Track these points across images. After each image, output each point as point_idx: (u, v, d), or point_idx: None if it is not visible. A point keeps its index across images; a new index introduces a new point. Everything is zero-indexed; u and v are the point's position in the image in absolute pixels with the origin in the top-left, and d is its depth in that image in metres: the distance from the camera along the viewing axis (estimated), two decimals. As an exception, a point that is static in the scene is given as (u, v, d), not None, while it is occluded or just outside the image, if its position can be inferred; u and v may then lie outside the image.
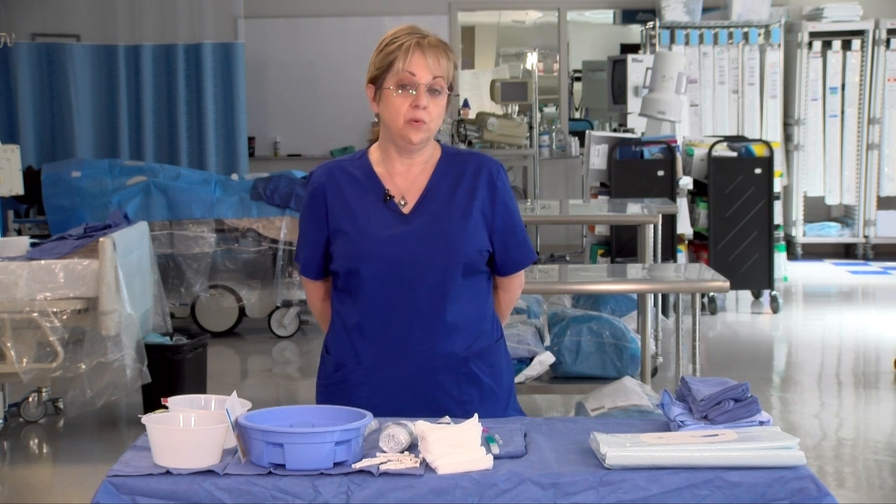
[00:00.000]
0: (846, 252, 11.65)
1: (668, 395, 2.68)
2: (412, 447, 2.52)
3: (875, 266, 11.06)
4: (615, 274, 5.53)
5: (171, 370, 6.11)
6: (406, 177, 2.98)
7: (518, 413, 3.08)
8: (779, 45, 11.28)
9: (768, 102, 11.30)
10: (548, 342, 5.58)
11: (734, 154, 8.94)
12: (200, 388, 6.29)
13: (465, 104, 11.94)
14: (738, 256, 8.81)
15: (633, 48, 12.12)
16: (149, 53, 10.98)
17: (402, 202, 2.96)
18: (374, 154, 3.02)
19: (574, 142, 11.99)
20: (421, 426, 2.52)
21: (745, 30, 11.22)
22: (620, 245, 8.80)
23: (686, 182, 9.09)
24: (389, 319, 2.93)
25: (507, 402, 3.06)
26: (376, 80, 2.94)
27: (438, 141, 3.06)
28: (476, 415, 2.57)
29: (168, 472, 2.43)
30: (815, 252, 11.52)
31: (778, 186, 9.45)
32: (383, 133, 2.99)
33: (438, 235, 2.92)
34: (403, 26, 2.95)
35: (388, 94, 2.91)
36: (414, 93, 2.88)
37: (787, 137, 11.41)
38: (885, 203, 11.36)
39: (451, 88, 2.96)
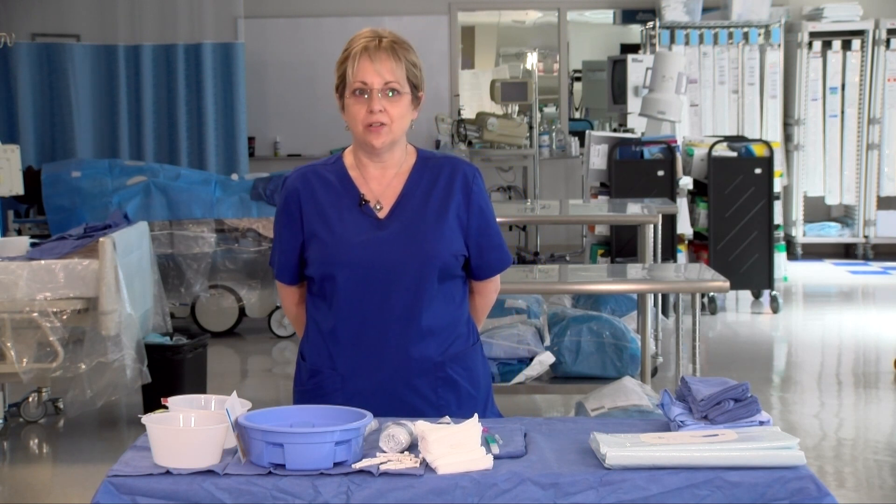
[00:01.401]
0: (846, 252, 11.65)
1: (668, 395, 2.68)
2: (412, 447, 2.52)
3: (875, 266, 11.06)
4: (615, 274, 5.53)
5: (171, 370, 6.11)
6: (381, 181, 2.97)
7: (497, 416, 3.07)
8: (779, 45, 11.28)
9: (768, 102, 11.30)
10: (548, 342, 5.58)
11: (734, 154, 8.94)
12: (200, 388, 6.29)
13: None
14: (738, 256, 8.81)
15: (633, 48, 12.11)
16: (149, 53, 10.98)
17: (378, 207, 2.95)
18: (349, 158, 3.01)
19: (574, 142, 11.99)
20: (421, 426, 2.52)
21: (745, 30, 11.22)
22: (620, 245, 8.80)
23: (686, 182, 9.09)
24: (365, 325, 2.92)
25: (485, 405, 3.05)
26: (339, 90, 2.96)
27: (414, 145, 3.06)
28: (476, 415, 2.57)
29: (168, 472, 2.43)
30: (815, 252, 11.52)
31: (778, 186, 9.45)
32: (353, 140, 3.00)
33: (414, 240, 2.91)
34: (363, 31, 2.95)
35: (347, 104, 2.93)
36: (367, 99, 2.88)
37: (787, 137, 11.41)
38: (885, 203, 11.36)
39: (416, 87, 2.94)
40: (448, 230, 2.94)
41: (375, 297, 2.90)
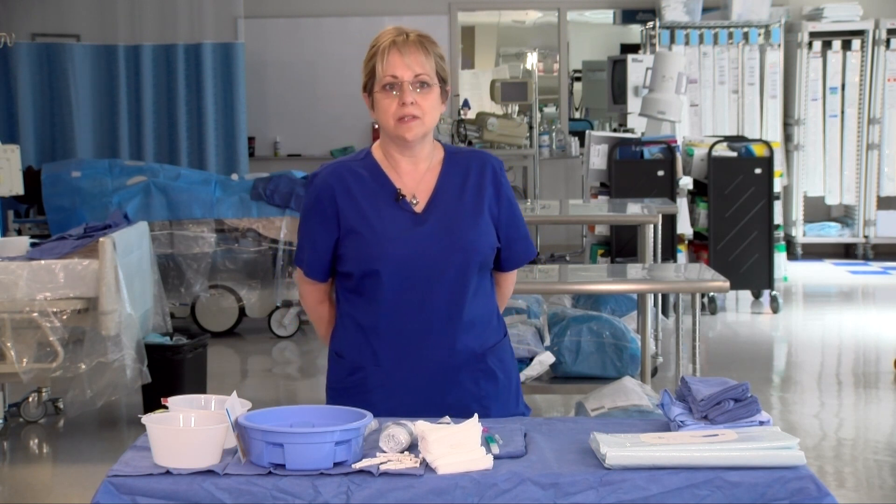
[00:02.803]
0: (846, 252, 11.65)
1: (668, 395, 2.68)
2: (412, 447, 2.52)
3: (875, 266, 11.06)
4: (615, 274, 5.53)
5: (171, 370, 6.11)
6: (413, 176, 2.98)
7: (526, 407, 3.11)
8: (779, 45, 11.28)
9: (768, 102, 11.30)
10: (548, 342, 5.58)
11: (734, 154, 8.94)
12: (200, 388, 6.29)
13: (466, 104, 11.92)
14: (738, 256, 8.81)
15: (633, 48, 12.12)
16: (149, 53, 10.99)
17: (414, 201, 2.96)
18: (378, 153, 3.02)
19: (574, 142, 11.99)
20: (421, 426, 2.52)
21: (745, 30, 11.22)
22: (620, 245, 8.80)
23: (686, 182, 9.09)
24: (408, 319, 2.92)
25: (517, 397, 3.09)
26: (367, 87, 2.97)
27: (439, 140, 3.07)
28: (476, 415, 2.58)
29: (168, 472, 2.43)
30: (815, 252, 11.52)
31: (778, 186, 9.45)
32: (383, 136, 3.01)
33: (454, 234, 2.93)
34: (388, 28, 2.96)
35: (377, 99, 2.93)
36: (397, 93, 2.89)
37: (787, 137, 11.41)
38: (885, 203, 11.36)
39: (443, 80, 2.96)
40: (484, 223, 2.97)
41: (418, 292, 2.91)
